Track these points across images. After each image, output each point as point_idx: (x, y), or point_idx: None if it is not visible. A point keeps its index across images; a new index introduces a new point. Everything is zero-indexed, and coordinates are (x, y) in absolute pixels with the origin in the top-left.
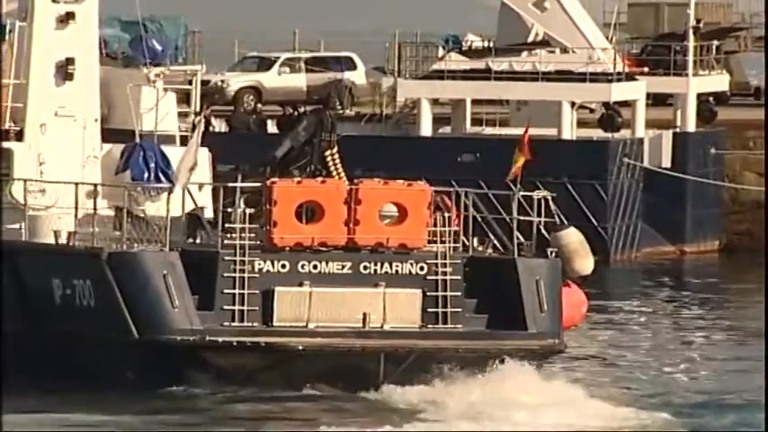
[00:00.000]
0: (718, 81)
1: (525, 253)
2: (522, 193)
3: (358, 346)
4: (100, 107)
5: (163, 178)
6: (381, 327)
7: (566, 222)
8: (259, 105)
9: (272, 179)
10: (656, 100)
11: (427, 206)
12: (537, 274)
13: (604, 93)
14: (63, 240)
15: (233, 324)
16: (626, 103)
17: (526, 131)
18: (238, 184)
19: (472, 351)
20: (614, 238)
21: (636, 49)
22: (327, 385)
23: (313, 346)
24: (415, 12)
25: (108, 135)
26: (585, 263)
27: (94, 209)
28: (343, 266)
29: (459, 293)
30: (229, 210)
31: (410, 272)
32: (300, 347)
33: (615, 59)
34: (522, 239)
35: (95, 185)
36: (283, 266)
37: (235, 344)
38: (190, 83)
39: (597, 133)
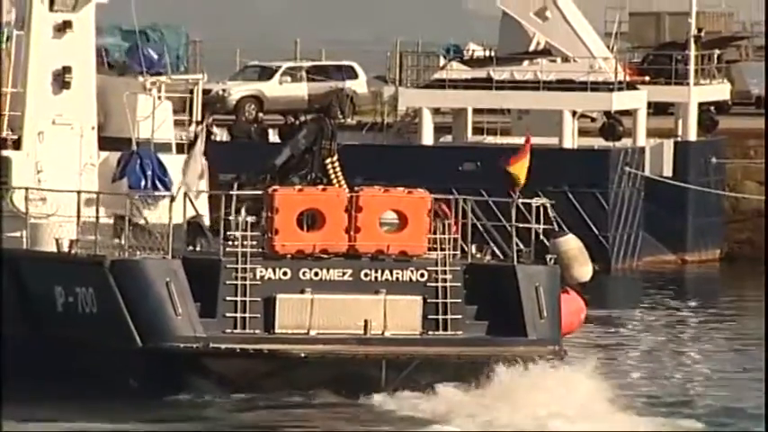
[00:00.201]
0: (720, 90)
1: (524, 260)
2: (520, 201)
3: (361, 353)
4: (96, 115)
5: (160, 186)
6: (382, 333)
7: (566, 229)
8: (260, 114)
9: (274, 187)
10: (657, 109)
11: (427, 213)
12: (536, 280)
13: (605, 102)
14: (65, 248)
15: (235, 331)
16: (627, 112)
17: (527, 141)
18: (235, 192)
19: (473, 357)
20: (615, 247)
21: (637, 59)
22: (329, 391)
23: (316, 353)
24: (416, 20)
25: (104, 143)
26: (584, 270)
27: (96, 217)
28: (344, 273)
29: (460, 300)
30: (231, 218)
31: (410, 279)
32: (303, 354)
33: (616, 68)
34: (521, 246)
35: (98, 194)
36: (285, 274)
37: (238, 351)
38: (191, 92)
39: (598, 142)
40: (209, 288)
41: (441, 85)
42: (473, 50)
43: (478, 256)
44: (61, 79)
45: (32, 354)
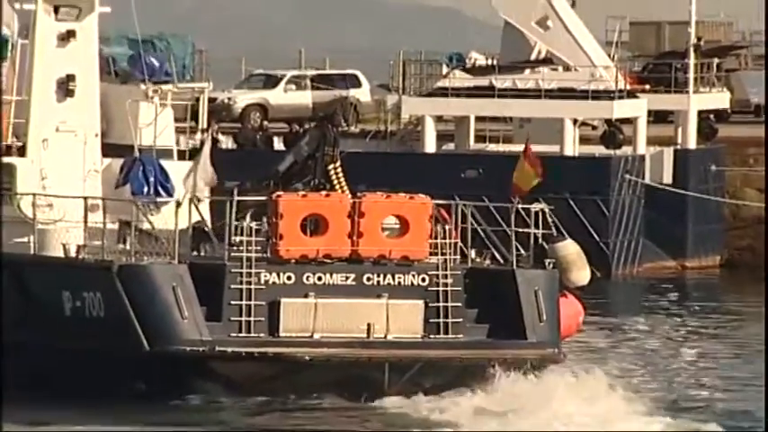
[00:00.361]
0: (719, 99)
1: (524, 264)
2: (520, 206)
3: (364, 357)
4: (100, 122)
5: (162, 192)
6: (385, 337)
7: (564, 234)
8: (265, 122)
9: (278, 193)
10: (657, 117)
11: (428, 219)
12: (535, 284)
13: (606, 110)
14: (72, 254)
15: (240, 335)
16: (628, 121)
17: (528, 147)
18: (240, 198)
19: (474, 360)
20: (616, 254)
21: (637, 67)
22: (333, 394)
23: (320, 356)
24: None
25: (107, 150)
26: (582, 274)
27: (104, 223)
28: (347, 278)
29: (460, 304)
30: (235, 223)
31: (412, 283)
32: (308, 357)
33: (617, 77)
34: (520, 251)
35: (104, 200)
36: (289, 278)
37: (243, 354)
38: (197, 100)
39: (599, 150)
40: (215, 292)
41: (443, 93)
42: (475, 59)
43: (478, 260)
44: (65, 87)
45: (40, 358)
